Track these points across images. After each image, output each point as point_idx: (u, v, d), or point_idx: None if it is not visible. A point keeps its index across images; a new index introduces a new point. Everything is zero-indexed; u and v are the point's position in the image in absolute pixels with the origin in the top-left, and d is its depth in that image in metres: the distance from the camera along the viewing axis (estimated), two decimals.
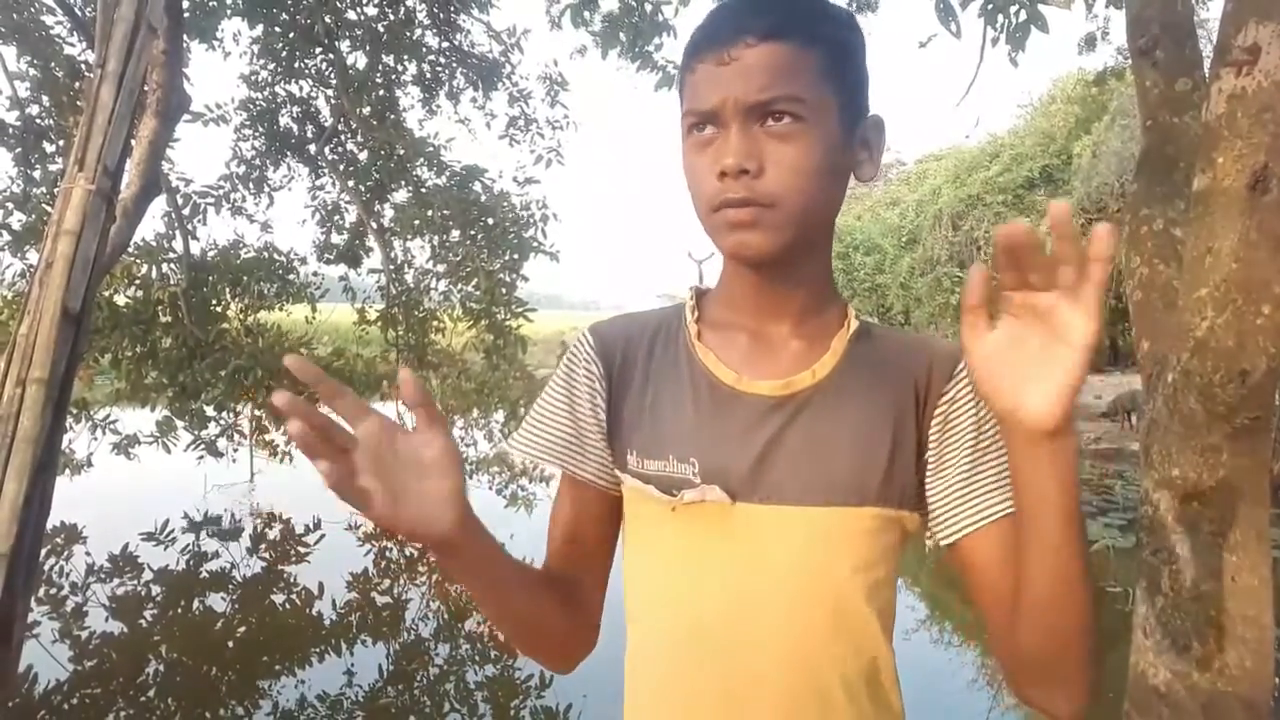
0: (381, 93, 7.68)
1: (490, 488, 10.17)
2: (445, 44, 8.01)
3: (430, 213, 7.19)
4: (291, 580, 6.64)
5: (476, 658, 5.24)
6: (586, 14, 4.71)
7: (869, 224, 24.33)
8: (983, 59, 4.08)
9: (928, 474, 0.88)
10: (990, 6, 3.84)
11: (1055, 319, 0.63)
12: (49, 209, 4.86)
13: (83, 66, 5.83)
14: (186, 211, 6.87)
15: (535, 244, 7.47)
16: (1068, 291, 0.62)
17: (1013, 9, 3.92)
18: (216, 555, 7.26)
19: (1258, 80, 1.78)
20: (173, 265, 6.61)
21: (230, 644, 5.43)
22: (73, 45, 5.97)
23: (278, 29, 7.12)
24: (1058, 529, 0.71)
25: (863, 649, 0.87)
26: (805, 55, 0.82)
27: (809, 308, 0.91)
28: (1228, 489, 1.93)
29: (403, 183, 7.68)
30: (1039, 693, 0.80)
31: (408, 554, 7.30)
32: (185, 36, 5.11)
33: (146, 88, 3.06)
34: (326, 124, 7.89)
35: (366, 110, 7.60)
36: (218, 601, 6.20)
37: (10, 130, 5.98)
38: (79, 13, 5.70)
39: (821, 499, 0.85)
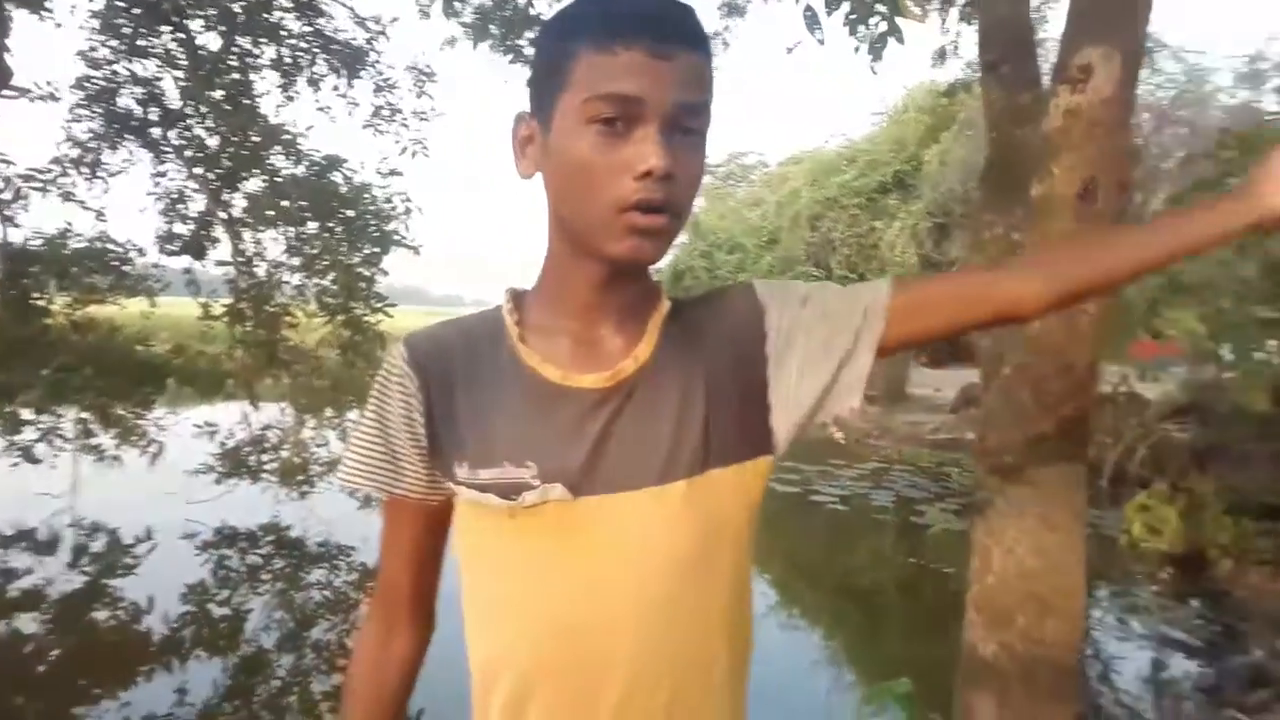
0: (235, 76, 7.20)
1: (344, 490, 9.78)
2: (307, 28, 7.59)
3: (286, 203, 6.87)
4: (116, 595, 6.16)
5: (323, 666, 5.05)
6: (458, 4, 4.61)
7: (732, 223, 24.94)
8: (845, 67, 4.26)
9: (794, 393, 0.91)
10: (853, 17, 4.00)
11: None
12: None
13: None
14: (7, 196, 6.30)
15: (397, 237, 7.25)
16: None
17: (872, 20, 4.10)
18: (30, 572, 6.62)
19: (1089, 97, 1.94)
20: None
21: (41, 668, 4.99)
22: None
23: (121, 3, 6.59)
24: (1195, 247, 0.91)
25: (713, 626, 0.89)
26: (709, 69, 0.84)
27: (633, 302, 0.91)
28: (1052, 474, 2.10)
29: (256, 171, 7.26)
30: (1042, 304, 0.93)
31: (249, 562, 6.96)
32: (7, 3, 4.65)
33: None
34: (173, 107, 7.33)
35: (218, 94, 7.10)
36: (28, 623, 5.65)
37: None
38: None
39: (659, 477, 0.85)
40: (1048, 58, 2.84)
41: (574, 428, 0.86)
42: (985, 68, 2.63)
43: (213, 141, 7.37)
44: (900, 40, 4.04)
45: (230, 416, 11.32)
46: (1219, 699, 4.43)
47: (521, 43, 4.98)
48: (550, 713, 0.86)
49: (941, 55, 6.74)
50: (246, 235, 7.53)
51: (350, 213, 6.96)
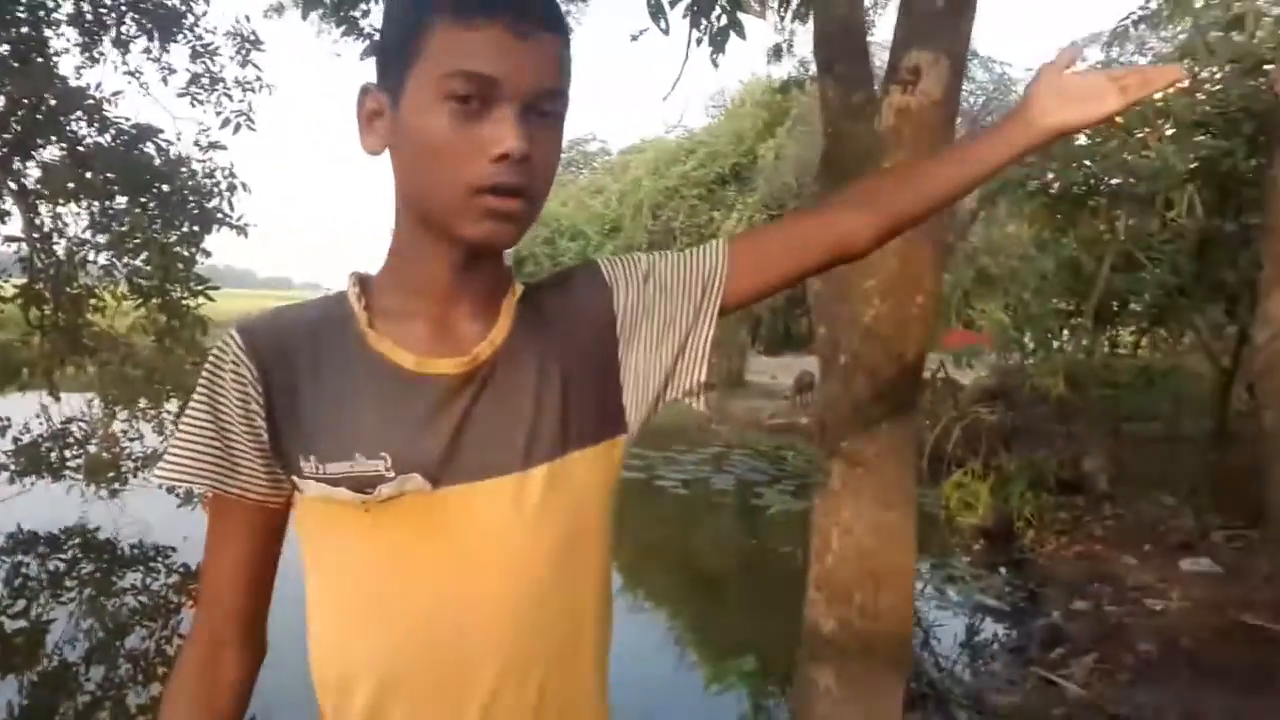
0: (26, 29, 6.49)
1: (161, 486, 9.06)
2: None
3: (89, 175, 6.26)
4: None
5: (140, 678, 4.67)
6: None
7: (574, 211, 24.96)
8: (688, 58, 4.32)
9: (644, 372, 0.93)
10: (695, 8, 4.07)
11: (1109, 92, 0.96)
12: None
13: None
14: None
15: (220, 215, 6.77)
16: (1129, 89, 0.96)
17: (714, 13, 4.18)
18: None
19: (919, 99, 2.04)
20: None
21: None
22: None
23: None
24: (993, 169, 1.00)
25: (582, 610, 0.88)
26: (568, 53, 0.83)
27: (488, 286, 0.89)
28: (886, 457, 2.21)
29: (53, 138, 6.60)
30: (873, 235, 0.99)
31: (51, 568, 6.34)
32: None
33: None
34: None
35: (5, 49, 6.41)
36: None
37: None
38: None
39: (521, 463, 0.84)
40: (878, 59, 2.98)
41: (431, 415, 0.83)
42: (821, 66, 2.72)
43: None
44: (741, 35, 4.13)
45: (27, 409, 10.30)
46: (1024, 658, 4.84)
47: (356, 14, 4.74)
48: (414, 716, 0.83)
49: (777, 52, 6.97)
50: (43, 209, 6.82)
51: (165, 187, 6.42)
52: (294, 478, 0.84)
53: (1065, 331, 8.71)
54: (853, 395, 2.22)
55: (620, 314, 0.92)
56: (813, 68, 4.25)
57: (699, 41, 4.19)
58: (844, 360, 2.25)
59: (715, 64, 4.54)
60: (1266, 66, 6.40)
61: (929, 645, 4.74)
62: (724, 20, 4.14)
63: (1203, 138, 6.76)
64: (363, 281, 0.89)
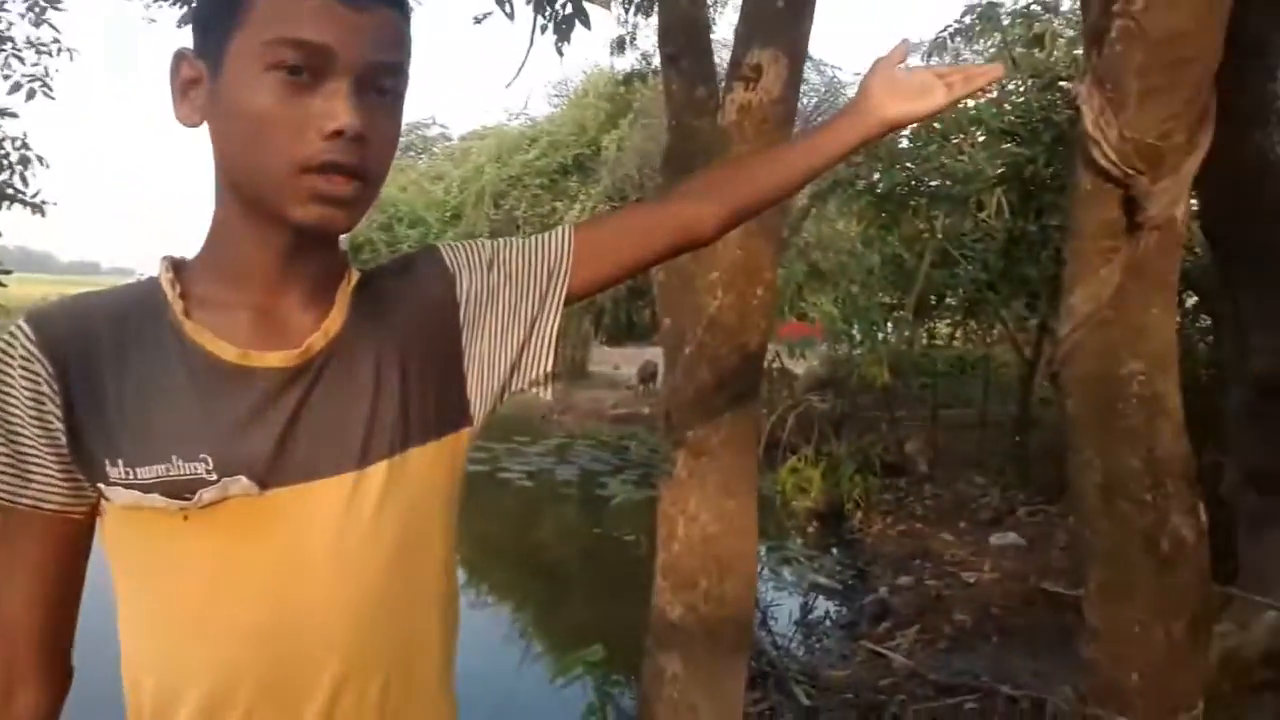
0: None
1: None
2: None
3: None
4: None
5: None
6: None
7: (414, 196, 24.23)
8: (532, 44, 4.25)
9: (489, 362, 0.90)
10: None
11: (937, 88, 1.02)
12: None
13: None
14: None
15: (12, 191, 6.12)
16: (954, 86, 1.02)
17: (559, 1, 4.14)
18: None
19: (760, 96, 2.09)
20: None
21: None
22: None
23: None
24: (832, 160, 1.03)
25: (426, 610, 0.85)
26: (407, 28, 0.78)
27: (321, 273, 0.83)
28: (730, 445, 2.26)
29: None
30: (717, 224, 1.00)
31: None
32: None
33: None
34: None
35: None
36: None
37: None
38: None
39: (358, 460, 0.79)
40: (721, 56, 3.03)
41: (258, 412, 0.76)
42: (666, 60, 2.74)
43: None
44: (586, 25, 4.11)
45: None
46: (854, 633, 5.11)
47: None
48: None
49: (621, 45, 7.00)
50: None
51: None
52: (99, 485, 0.75)
53: (889, 323, 9.25)
54: (697, 385, 2.26)
55: (463, 302, 0.89)
56: (656, 61, 4.29)
57: (544, 29, 4.14)
58: (688, 350, 2.28)
59: (560, 52, 4.50)
60: (1062, 82, 7.00)
61: (767, 625, 4.92)
62: (569, 9, 4.10)
63: (1009, 145, 7.34)
64: (178, 267, 0.81)
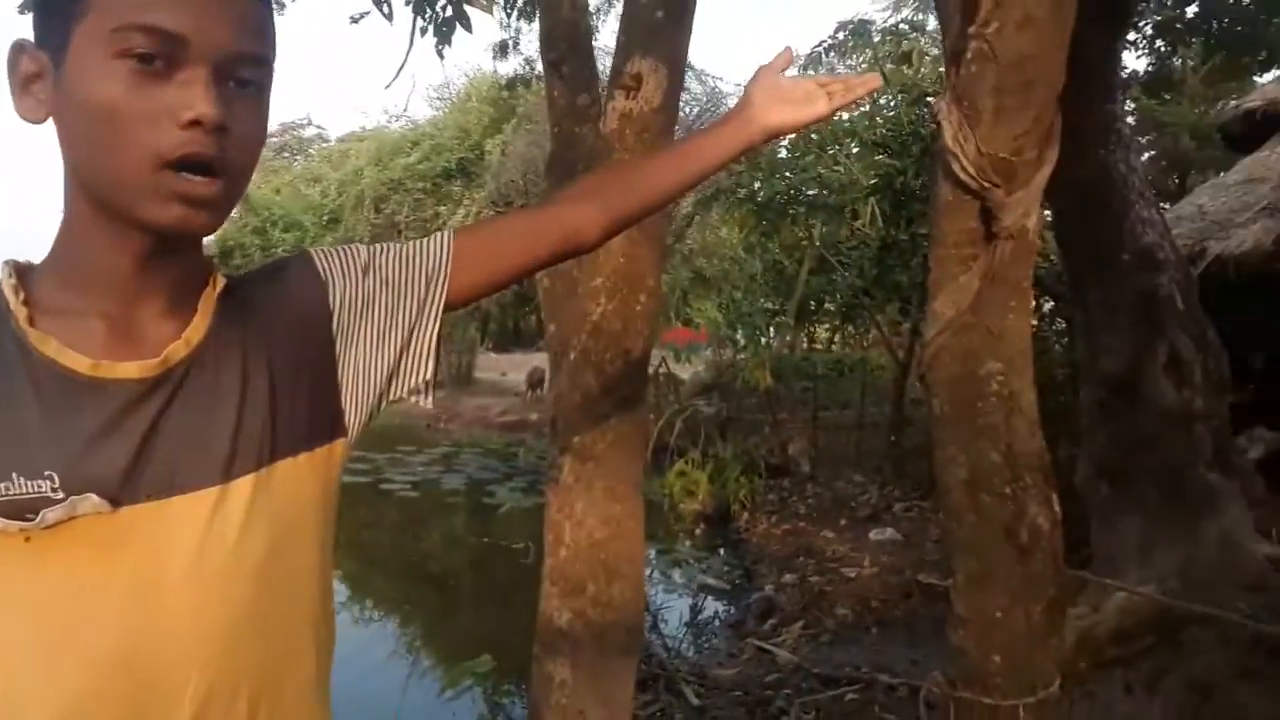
0: None
1: None
2: None
3: None
4: None
5: None
6: None
7: (289, 199, 23.40)
8: (411, 46, 4.18)
9: (364, 371, 0.87)
10: None
11: (819, 97, 1.05)
12: None
13: None
14: None
15: None
16: (835, 95, 1.06)
17: (440, 3, 4.09)
18: None
19: (641, 104, 2.12)
20: None
21: None
22: None
23: None
24: (715, 166, 1.05)
25: (297, 631, 0.82)
26: (270, 18, 0.76)
27: (182, 278, 0.79)
28: (616, 450, 2.28)
29: None
30: (600, 229, 1.00)
31: None
32: None
33: None
34: None
35: None
36: None
37: None
38: None
39: (221, 474, 0.75)
40: (603, 64, 3.05)
41: (111, 426, 0.72)
42: (548, 66, 2.74)
43: None
44: (467, 28, 4.07)
45: None
46: (741, 631, 5.22)
47: None
48: None
49: (503, 49, 6.96)
50: None
51: None
52: None
53: (771, 328, 9.51)
54: (582, 391, 2.27)
55: (336, 309, 0.86)
56: (539, 66, 4.28)
57: (423, 31, 4.08)
58: (573, 356, 2.28)
59: (440, 55, 4.44)
60: (928, 98, 7.37)
61: (658, 628, 4.98)
62: (449, 11, 4.06)
63: (881, 156, 7.67)
64: (21, 271, 0.76)
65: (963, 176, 1.64)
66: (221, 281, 0.82)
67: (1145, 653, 4.13)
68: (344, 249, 0.90)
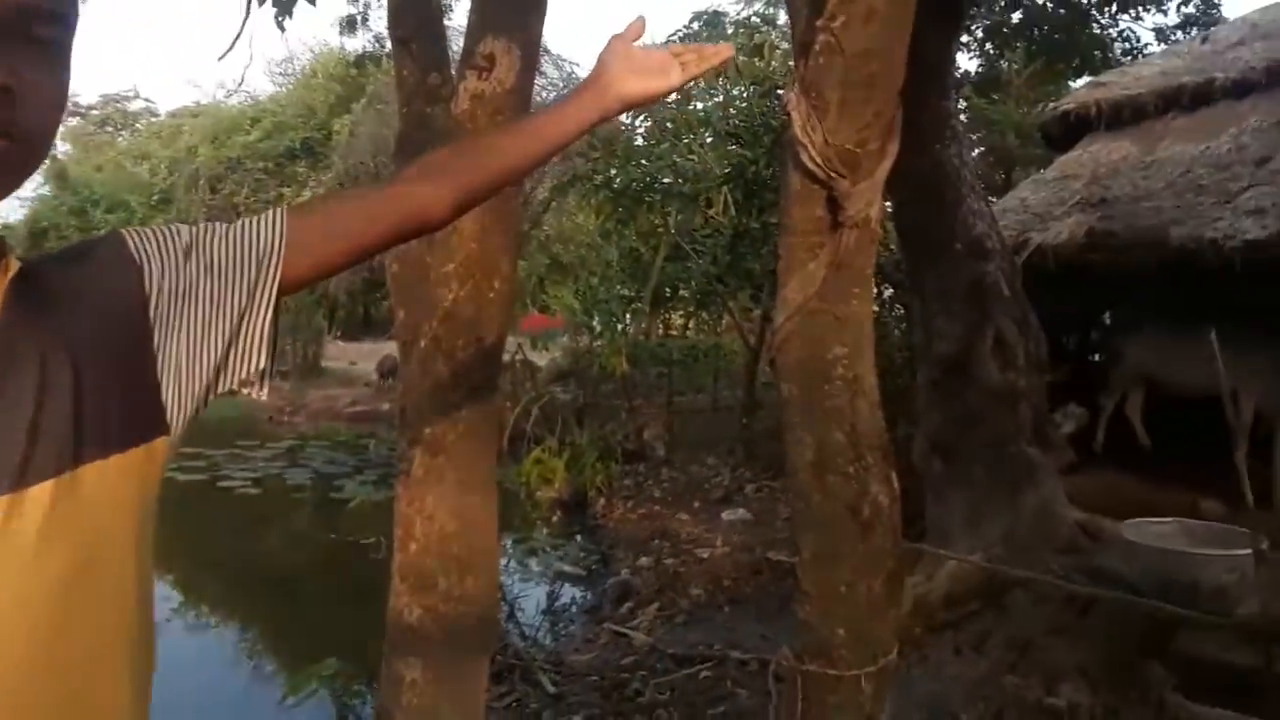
0: None
1: None
2: None
3: None
4: None
5: None
6: None
7: (113, 177, 21.69)
8: (248, 15, 3.92)
9: (188, 363, 0.80)
10: None
11: (673, 67, 1.06)
12: None
13: None
14: None
15: None
16: (688, 65, 1.06)
17: None
18: None
19: (493, 85, 2.06)
20: None
21: None
22: None
23: None
24: (569, 138, 1.01)
25: (108, 651, 0.74)
26: None
27: None
28: (468, 440, 2.22)
29: None
30: (449, 206, 0.96)
31: None
32: None
33: None
34: None
35: None
36: None
37: None
38: None
39: (13, 482, 0.67)
40: (455, 44, 2.96)
41: None
42: (397, 44, 2.64)
43: None
44: (312, 1, 3.87)
45: None
46: (598, 616, 5.25)
47: None
48: None
49: (351, 24, 6.67)
50: None
51: None
52: None
53: (628, 315, 9.58)
54: (433, 379, 2.20)
55: (154, 295, 0.78)
56: (390, 44, 4.11)
57: (260, 1, 3.83)
58: (424, 344, 2.21)
59: (281, 27, 4.20)
60: (779, 90, 7.59)
61: (515, 617, 4.93)
62: None
63: (734, 147, 7.84)
64: None
65: (811, 166, 1.68)
66: (15, 265, 0.73)
67: (972, 616, 4.44)
68: (163, 229, 0.82)
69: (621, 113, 1.05)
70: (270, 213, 0.86)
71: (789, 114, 1.71)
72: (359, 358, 16.76)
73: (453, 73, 2.39)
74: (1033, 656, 4.04)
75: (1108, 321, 7.27)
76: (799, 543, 1.93)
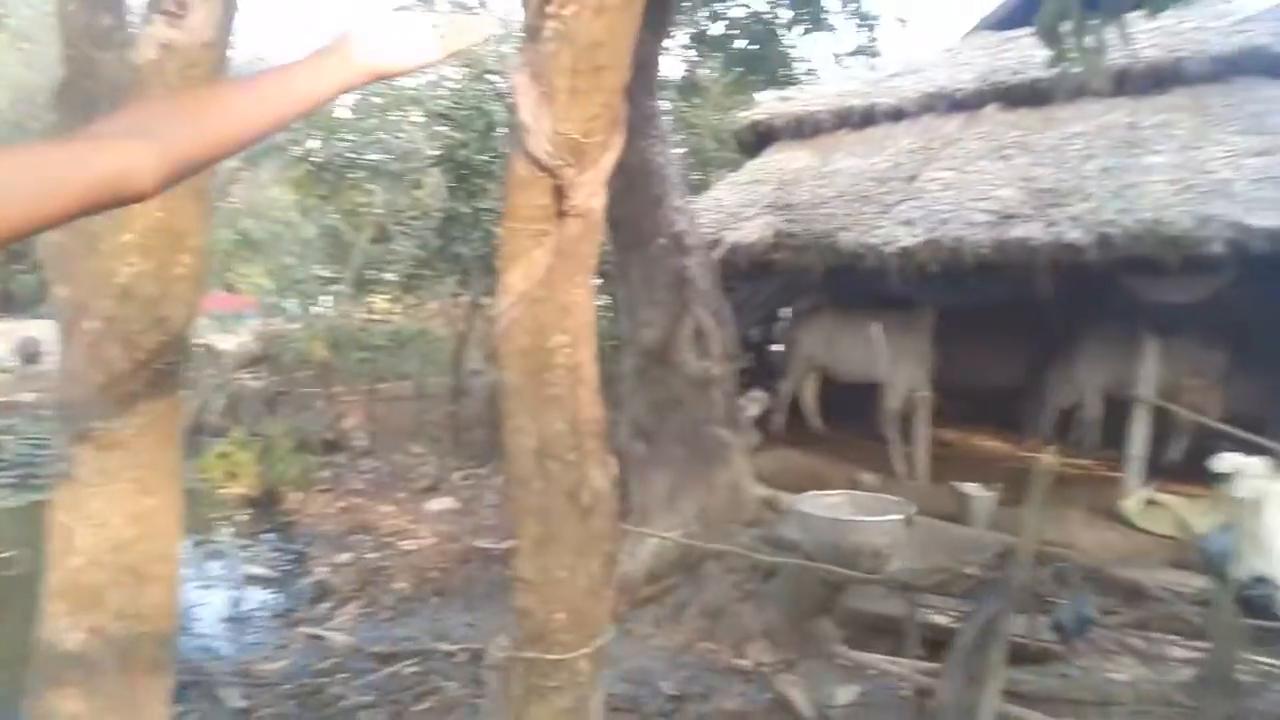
0: None
1: None
2: None
3: None
4: None
5: None
6: None
7: None
8: None
9: None
10: None
11: (431, 40, 1.01)
12: None
13: None
14: None
15: None
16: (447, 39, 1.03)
17: None
18: None
19: (187, 36, 1.83)
20: None
21: None
22: None
23: None
24: (307, 108, 0.93)
25: None
26: None
27: None
28: (147, 435, 1.96)
29: None
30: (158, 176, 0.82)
31: None
32: None
33: None
34: None
35: None
36: None
37: None
38: None
39: None
40: None
41: None
42: None
43: None
44: None
45: None
46: (291, 619, 4.89)
47: None
48: None
49: None
50: None
51: None
52: None
53: (328, 297, 9.04)
54: (105, 366, 1.91)
55: None
56: None
57: None
58: (94, 326, 1.91)
59: None
60: (489, 75, 7.51)
61: (192, 629, 4.46)
62: None
63: (445, 128, 7.65)
64: None
65: (537, 153, 1.66)
66: None
67: (672, 589, 4.73)
68: None
69: (366, 84, 0.97)
70: None
71: (516, 98, 1.69)
72: None
73: (127, 15, 2.09)
74: (725, 622, 4.38)
75: (788, 314, 8.04)
76: (518, 530, 1.92)
